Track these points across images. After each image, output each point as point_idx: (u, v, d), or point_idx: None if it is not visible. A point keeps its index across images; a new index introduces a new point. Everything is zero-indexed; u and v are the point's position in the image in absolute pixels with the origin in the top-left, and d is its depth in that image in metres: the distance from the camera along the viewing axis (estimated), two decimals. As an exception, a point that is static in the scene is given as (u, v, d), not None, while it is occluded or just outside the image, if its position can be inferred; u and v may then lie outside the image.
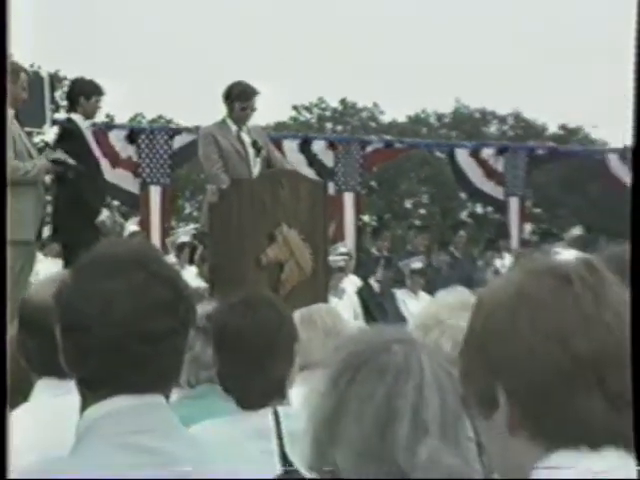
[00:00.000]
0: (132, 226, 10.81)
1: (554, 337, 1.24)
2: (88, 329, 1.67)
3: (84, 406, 1.71)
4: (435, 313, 2.64)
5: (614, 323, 1.25)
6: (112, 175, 10.98)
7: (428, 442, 1.61)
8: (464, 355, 1.35)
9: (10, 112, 6.71)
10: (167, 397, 1.75)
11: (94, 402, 1.69)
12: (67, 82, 26.03)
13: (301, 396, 2.80)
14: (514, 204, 13.31)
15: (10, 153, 6.63)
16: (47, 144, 7.53)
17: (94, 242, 6.34)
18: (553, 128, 35.27)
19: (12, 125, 6.75)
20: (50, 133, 7.80)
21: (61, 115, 10.80)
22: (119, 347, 1.67)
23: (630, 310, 1.36)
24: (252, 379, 2.61)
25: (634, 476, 1.22)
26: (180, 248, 10.60)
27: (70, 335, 1.71)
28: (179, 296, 1.72)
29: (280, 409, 2.61)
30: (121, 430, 1.67)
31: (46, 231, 7.39)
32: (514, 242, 12.83)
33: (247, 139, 7.24)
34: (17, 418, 2.30)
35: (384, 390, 1.67)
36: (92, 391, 1.70)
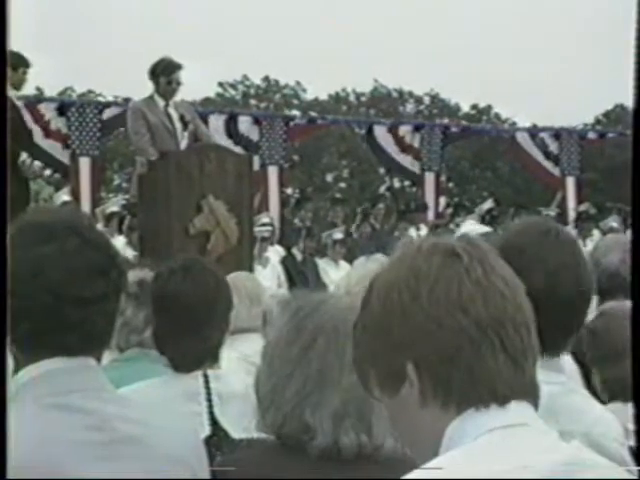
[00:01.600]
0: (64, 196, 10.93)
1: (455, 307, 1.29)
2: (20, 294, 1.67)
3: (17, 369, 1.72)
4: (351, 281, 2.83)
5: (505, 289, 1.31)
6: (44, 143, 11.14)
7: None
8: (361, 338, 1.37)
9: None
10: (98, 360, 1.77)
11: (27, 364, 1.70)
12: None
13: (229, 360, 3.03)
14: (430, 178, 13.77)
15: None
16: None
17: (24, 206, 6.55)
18: (465, 108, 36.07)
19: None
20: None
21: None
22: (51, 310, 1.67)
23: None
24: (189, 343, 2.62)
25: (538, 427, 1.30)
26: (109, 218, 10.74)
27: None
28: (111, 262, 1.73)
29: (210, 372, 2.64)
30: (53, 391, 1.68)
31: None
32: (430, 214, 13.28)
33: (175, 114, 7.45)
34: None
35: (338, 349, 1.80)
36: (25, 354, 1.71)
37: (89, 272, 1.70)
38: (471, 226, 8.87)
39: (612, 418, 2.06)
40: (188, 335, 2.61)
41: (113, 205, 11.14)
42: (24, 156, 7.44)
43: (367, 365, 1.36)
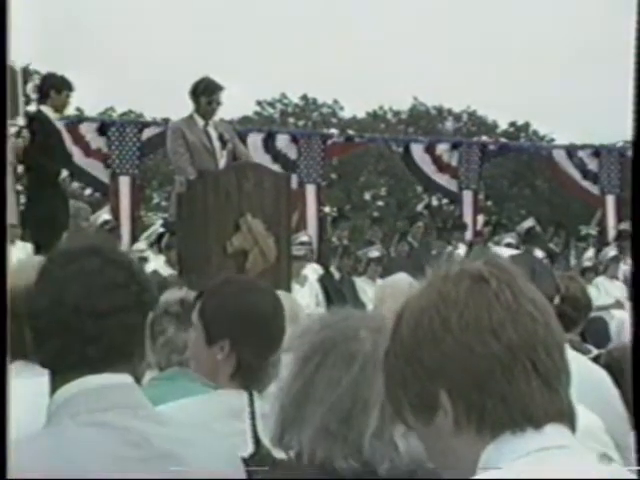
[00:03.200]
0: (104, 215, 11.06)
1: (486, 332, 1.28)
2: (43, 314, 1.74)
3: (53, 388, 1.76)
4: (379, 295, 2.85)
5: (535, 312, 1.31)
6: (85, 163, 11.30)
7: (400, 432, 1.63)
8: (393, 367, 1.36)
9: None
10: (136, 376, 1.79)
11: (62, 384, 1.74)
12: (38, 76, 26.07)
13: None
14: (468, 197, 13.73)
15: None
16: (20, 129, 7.83)
17: (64, 226, 6.67)
18: (503, 125, 35.97)
19: None
20: (21, 123, 8.10)
21: (32, 108, 11.05)
22: (71, 327, 1.73)
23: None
24: (265, 362, 2.56)
25: (575, 449, 1.29)
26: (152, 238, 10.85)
27: (29, 322, 1.78)
28: (132, 277, 1.78)
29: (254, 391, 2.58)
30: (89, 408, 1.71)
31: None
32: (468, 233, 13.24)
33: (214, 133, 7.51)
34: None
35: (351, 379, 1.71)
36: (54, 373, 1.76)
37: (107, 287, 1.75)
38: (503, 249, 8.81)
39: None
40: (260, 353, 2.57)
41: (157, 227, 11.24)
42: (64, 174, 7.55)
43: (400, 393, 1.35)
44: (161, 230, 10.84)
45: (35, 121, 7.66)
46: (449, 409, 1.29)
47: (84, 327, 1.73)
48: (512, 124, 35.83)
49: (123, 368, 1.76)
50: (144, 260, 10.00)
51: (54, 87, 7.62)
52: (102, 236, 9.56)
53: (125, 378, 1.76)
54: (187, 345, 2.98)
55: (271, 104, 37.52)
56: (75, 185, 7.59)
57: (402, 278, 3.26)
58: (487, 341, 1.28)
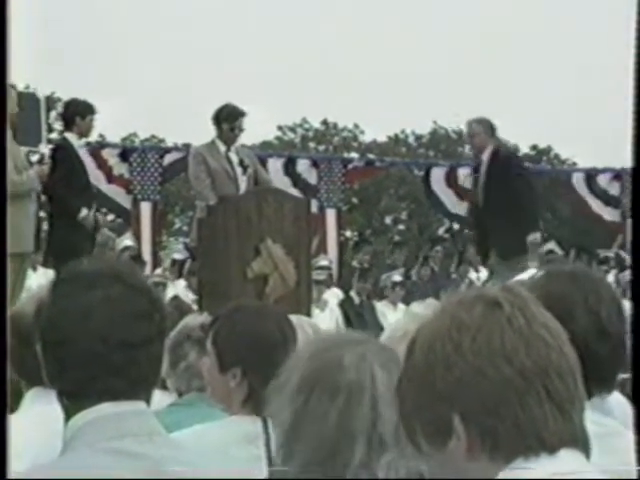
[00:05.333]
0: (126, 240, 11.13)
1: (498, 357, 1.28)
2: (67, 342, 1.72)
3: (68, 416, 1.75)
4: (404, 325, 2.67)
5: (549, 337, 1.31)
6: (107, 189, 11.39)
7: (386, 457, 1.60)
8: (406, 392, 1.36)
9: (8, 131, 7.12)
10: (147, 402, 1.78)
11: (78, 411, 1.73)
12: (61, 104, 26.34)
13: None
14: (490, 221, 13.69)
15: (10, 166, 7.05)
16: (43, 156, 7.91)
17: (85, 253, 6.71)
18: (525, 148, 35.91)
19: (12, 143, 7.16)
20: (44, 151, 8.18)
21: (55, 135, 11.18)
22: (97, 357, 1.71)
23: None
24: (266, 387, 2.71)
25: (590, 474, 1.29)
26: (172, 263, 10.91)
27: (50, 349, 1.75)
28: (154, 306, 1.77)
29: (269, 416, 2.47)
30: (105, 436, 1.70)
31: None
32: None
33: (235, 158, 7.54)
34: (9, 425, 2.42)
35: (336, 412, 1.67)
36: (75, 401, 1.74)
37: (133, 317, 1.74)
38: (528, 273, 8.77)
39: None
40: (268, 379, 2.57)
41: (176, 253, 11.30)
42: (84, 212, 7.62)
43: (413, 418, 1.35)
44: (176, 256, 10.91)
45: (59, 150, 7.72)
46: (462, 434, 1.29)
47: (111, 358, 1.71)
48: (533, 147, 35.79)
49: (142, 397, 1.76)
50: (163, 285, 10.06)
51: (78, 113, 7.69)
52: (113, 259, 9.61)
53: (140, 405, 1.75)
54: None
55: (292, 129, 37.65)
56: (99, 216, 7.62)
57: (431, 304, 3.24)
58: (499, 366, 1.28)
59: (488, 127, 8.14)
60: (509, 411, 1.28)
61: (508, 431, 1.28)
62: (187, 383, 3.15)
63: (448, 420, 1.29)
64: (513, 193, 7.86)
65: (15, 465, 1.85)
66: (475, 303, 1.33)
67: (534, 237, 8.09)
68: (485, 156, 8.12)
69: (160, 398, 2.89)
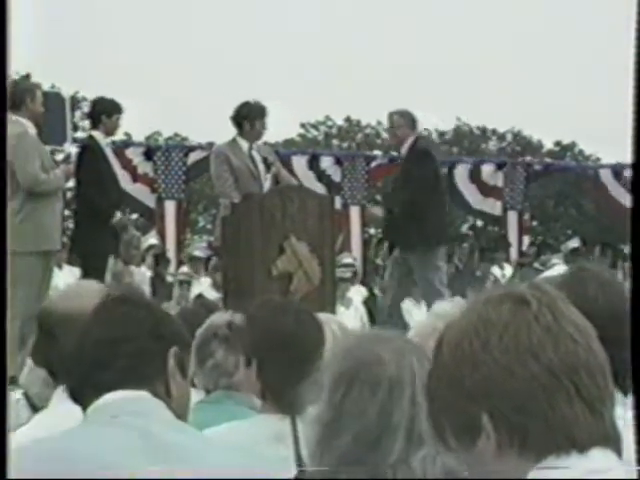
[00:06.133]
0: (151, 239, 11.17)
1: (526, 354, 1.28)
2: (72, 349, 1.99)
3: (84, 412, 1.94)
4: (432, 323, 2.70)
5: (577, 334, 1.31)
6: (132, 188, 11.43)
7: (423, 452, 1.62)
8: (435, 390, 1.36)
9: (33, 129, 7.16)
10: (158, 396, 1.90)
11: (86, 404, 1.92)
12: (86, 103, 26.45)
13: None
14: (513, 217, 13.66)
15: (37, 164, 7.09)
16: (68, 154, 7.95)
17: (110, 252, 6.77)
18: (549, 145, 35.74)
19: (38, 142, 7.20)
20: (70, 150, 8.22)
21: (80, 134, 11.24)
22: (86, 355, 1.94)
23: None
24: (296, 385, 2.53)
25: (622, 473, 1.28)
26: (191, 260, 10.94)
27: (62, 359, 2.11)
28: (148, 314, 1.97)
29: (298, 415, 2.56)
30: (106, 415, 1.88)
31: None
32: (513, 253, 13.15)
33: (258, 156, 7.53)
34: (36, 423, 2.52)
35: (377, 406, 1.70)
36: (81, 400, 1.94)
37: (123, 321, 1.95)
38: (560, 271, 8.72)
39: None
40: (299, 377, 2.52)
41: (196, 250, 11.33)
42: (118, 215, 7.67)
43: (442, 416, 1.35)
44: (196, 253, 10.93)
45: (86, 148, 7.75)
46: (491, 432, 1.28)
47: (97, 355, 1.92)
48: (557, 143, 35.60)
49: (139, 389, 1.91)
50: (188, 283, 10.08)
51: (105, 111, 7.71)
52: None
53: (141, 393, 1.90)
54: (236, 368, 3.01)
55: (315, 126, 37.65)
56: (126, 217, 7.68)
57: (457, 302, 3.22)
58: (527, 363, 1.28)
59: (410, 120, 8.15)
60: (538, 409, 1.27)
61: (537, 429, 1.27)
62: (214, 381, 3.16)
63: (477, 418, 1.29)
64: (422, 186, 7.84)
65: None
66: (502, 301, 1.33)
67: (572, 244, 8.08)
68: (404, 149, 8.13)
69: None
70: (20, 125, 7.06)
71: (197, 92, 52.77)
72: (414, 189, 7.79)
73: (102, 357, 1.91)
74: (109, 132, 7.78)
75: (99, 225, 7.43)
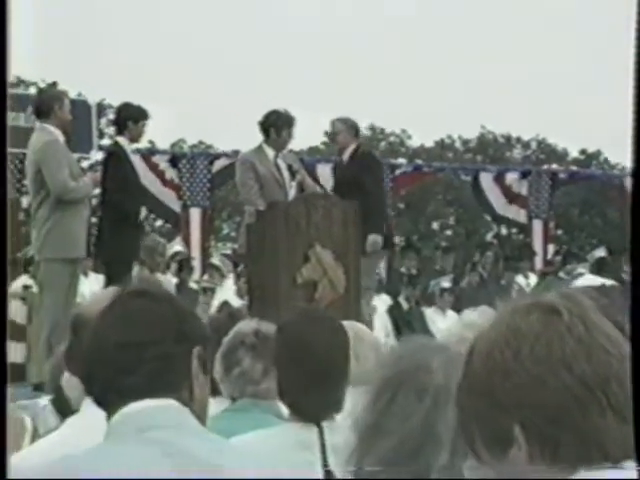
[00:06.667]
0: (176, 246, 11.20)
1: (558, 365, 1.27)
2: (89, 353, 1.89)
3: (108, 419, 1.86)
4: (460, 331, 2.72)
5: (608, 344, 1.30)
6: (161, 192, 11.48)
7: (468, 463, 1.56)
8: (466, 400, 1.35)
9: (61, 137, 7.20)
10: (187, 405, 1.84)
11: (108, 413, 1.84)
12: (112, 110, 26.62)
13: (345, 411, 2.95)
14: (538, 226, 13.60)
15: (66, 172, 7.14)
16: (95, 163, 8.00)
17: (135, 259, 6.77)
18: (574, 153, 35.59)
19: (66, 150, 7.24)
20: (96, 157, 8.27)
21: (107, 141, 11.29)
22: (110, 361, 1.84)
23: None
24: (318, 393, 2.59)
25: None
26: (212, 268, 10.96)
27: (81, 365, 1.96)
28: (171, 311, 1.87)
29: (324, 423, 2.59)
30: (133, 428, 1.79)
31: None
32: (538, 262, 13.08)
33: (283, 164, 7.55)
34: (64, 430, 2.50)
35: (423, 413, 1.71)
36: (105, 406, 1.86)
37: (147, 321, 1.85)
38: (589, 280, 8.67)
39: None
40: (319, 385, 2.59)
41: (214, 259, 11.37)
42: (144, 213, 7.71)
43: (472, 427, 1.33)
44: (214, 261, 10.94)
45: (112, 155, 7.77)
46: (523, 443, 1.27)
47: (121, 359, 1.82)
48: (583, 152, 35.45)
49: (167, 396, 1.82)
50: (212, 291, 10.10)
51: (131, 117, 7.71)
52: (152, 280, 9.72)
53: (167, 401, 1.82)
54: (263, 376, 3.05)
55: (339, 134, 37.64)
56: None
57: (485, 311, 3.20)
58: (560, 374, 1.26)
59: (351, 127, 8.16)
60: (570, 420, 1.26)
61: (569, 441, 1.25)
62: (241, 389, 3.15)
63: (508, 429, 1.28)
64: (363, 191, 7.81)
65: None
66: (531, 310, 1.32)
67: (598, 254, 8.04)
68: (346, 155, 8.12)
69: (213, 404, 2.90)
70: (49, 133, 7.10)
71: (222, 100, 52.95)
72: (367, 193, 7.75)
73: (127, 361, 1.83)
74: (134, 138, 7.79)
75: (124, 232, 7.43)
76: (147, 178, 11.10)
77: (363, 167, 7.98)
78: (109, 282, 7.26)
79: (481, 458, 1.33)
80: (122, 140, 7.71)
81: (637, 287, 1.31)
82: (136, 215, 7.60)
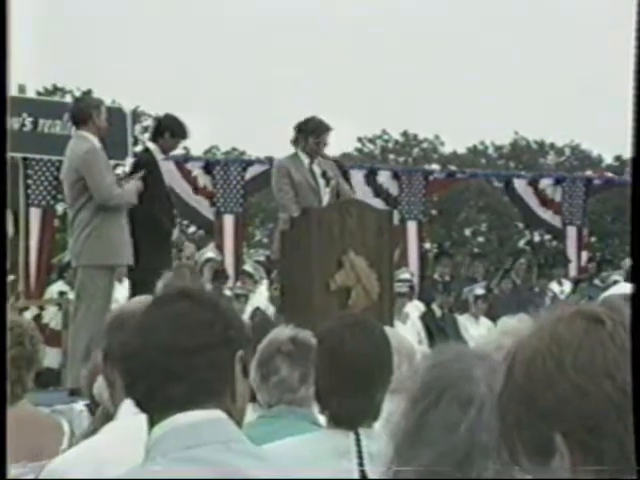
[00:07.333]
0: (209, 252, 11.22)
1: (601, 374, 1.26)
2: (133, 356, 1.81)
3: (150, 425, 1.80)
4: (497, 339, 2.69)
5: None
6: (193, 200, 11.52)
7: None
8: (507, 409, 1.33)
9: (98, 145, 7.24)
10: (229, 412, 1.79)
11: (156, 422, 1.77)
12: (145, 117, 26.76)
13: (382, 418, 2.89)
14: (572, 233, 13.51)
15: (109, 179, 7.18)
16: (125, 173, 8.02)
17: (164, 266, 6.71)
18: (608, 159, 35.33)
19: (106, 157, 7.26)
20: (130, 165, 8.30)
21: (140, 148, 11.35)
22: (157, 367, 1.77)
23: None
24: (357, 400, 2.57)
25: None
26: (244, 275, 10.98)
27: (121, 366, 1.89)
28: (218, 316, 1.82)
29: (361, 430, 2.58)
30: (179, 445, 1.73)
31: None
32: (572, 270, 13.00)
33: (318, 170, 7.55)
34: (102, 436, 2.50)
35: (468, 422, 1.69)
36: (144, 411, 1.80)
37: (194, 326, 1.79)
38: (624, 288, 8.59)
39: None
40: (358, 392, 2.57)
41: (247, 265, 11.39)
42: (176, 234, 7.71)
43: (514, 436, 1.32)
44: (247, 268, 10.94)
45: (143, 161, 7.77)
46: (565, 452, 1.26)
47: (170, 366, 1.77)
48: (617, 158, 35.18)
49: (212, 405, 1.77)
50: (245, 297, 10.12)
51: (171, 130, 7.69)
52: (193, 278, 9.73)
53: (215, 414, 1.77)
54: (300, 383, 3.05)
55: (372, 140, 37.68)
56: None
57: (523, 318, 3.18)
58: (602, 383, 1.25)
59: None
60: (612, 430, 1.24)
61: (612, 450, 1.24)
62: (278, 397, 3.14)
63: (550, 438, 1.27)
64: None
65: (111, 471, 1.93)
66: (575, 319, 1.31)
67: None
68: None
69: (250, 411, 2.91)
70: (88, 140, 7.13)
71: (255, 107, 53.12)
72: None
73: (174, 367, 1.76)
74: (166, 150, 7.79)
75: (153, 239, 7.42)
76: (180, 186, 11.16)
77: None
78: (135, 289, 7.20)
79: (523, 468, 1.32)
80: (153, 147, 7.73)
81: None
82: (163, 222, 7.58)
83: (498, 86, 50.47)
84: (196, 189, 11.70)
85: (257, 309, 8.89)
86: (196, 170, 11.83)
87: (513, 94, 49.27)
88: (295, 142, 7.61)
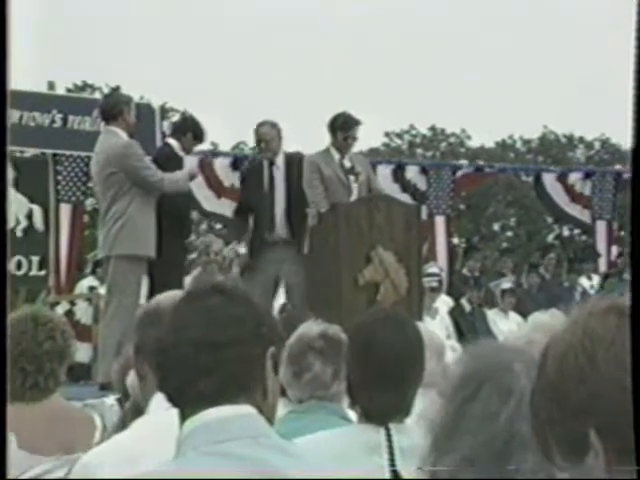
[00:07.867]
0: (239, 248, 11.22)
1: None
2: (166, 351, 1.81)
3: (181, 420, 1.80)
4: (527, 334, 2.69)
5: None
6: (217, 205, 11.49)
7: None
8: (539, 405, 1.33)
9: (128, 139, 7.26)
10: (259, 408, 1.80)
11: (187, 417, 1.78)
12: (173, 113, 26.83)
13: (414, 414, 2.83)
14: (601, 227, 13.43)
15: (154, 167, 7.23)
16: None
17: (182, 260, 6.69)
18: (635, 154, 34.99)
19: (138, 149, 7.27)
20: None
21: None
22: (187, 361, 1.78)
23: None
24: (389, 395, 2.56)
25: None
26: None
27: (155, 360, 1.90)
28: (250, 312, 1.82)
29: (391, 425, 2.56)
30: (209, 440, 1.73)
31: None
32: (602, 264, 12.93)
33: (349, 165, 7.55)
34: (135, 430, 2.49)
35: (507, 414, 1.68)
36: (179, 406, 1.81)
37: (223, 322, 1.79)
38: None
39: None
40: (390, 387, 2.56)
41: None
42: (193, 237, 7.70)
43: (547, 432, 1.31)
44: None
45: (163, 154, 7.77)
46: (600, 449, 1.25)
47: (199, 361, 1.77)
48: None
49: (243, 400, 1.78)
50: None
51: (193, 132, 7.73)
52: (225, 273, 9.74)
53: (245, 409, 1.77)
54: (333, 379, 3.05)
55: (399, 135, 37.62)
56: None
57: (555, 314, 3.16)
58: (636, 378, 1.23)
59: (279, 130, 7.88)
60: None
61: None
62: (310, 393, 3.13)
63: (584, 435, 1.25)
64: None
65: (143, 465, 1.92)
66: (607, 314, 1.29)
67: None
68: (280, 160, 7.86)
69: (279, 407, 2.91)
70: (118, 136, 7.17)
71: (282, 102, 53.15)
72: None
73: (205, 362, 1.77)
74: (185, 149, 7.82)
75: (176, 233, 7.43)
76: (204, 194, 11.13)
77: (300, 172, 7.75)
78: (154, 284, 7.19)
79: (556, 464, 1.31)
80: (173, 142, 7.77)
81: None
82: (182, 217, 7.59)
83: (527, 79, 50.25)
84: (220, 192, 11.56)
85: (285, 304, 8.88)
86: (223, 168, 11.67)
87: (542, 87, 49.03)
88: (333, 137, 7.58)
